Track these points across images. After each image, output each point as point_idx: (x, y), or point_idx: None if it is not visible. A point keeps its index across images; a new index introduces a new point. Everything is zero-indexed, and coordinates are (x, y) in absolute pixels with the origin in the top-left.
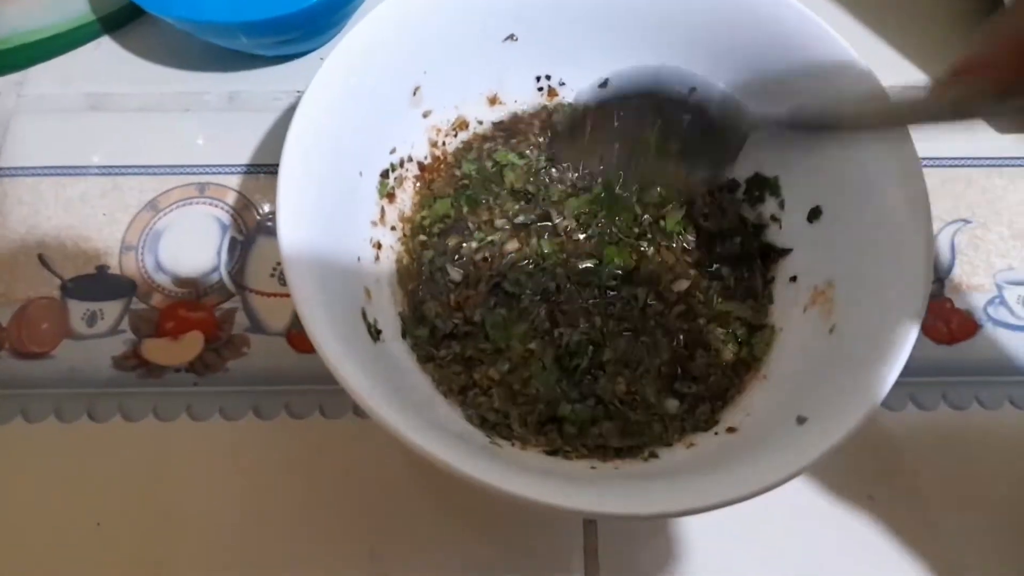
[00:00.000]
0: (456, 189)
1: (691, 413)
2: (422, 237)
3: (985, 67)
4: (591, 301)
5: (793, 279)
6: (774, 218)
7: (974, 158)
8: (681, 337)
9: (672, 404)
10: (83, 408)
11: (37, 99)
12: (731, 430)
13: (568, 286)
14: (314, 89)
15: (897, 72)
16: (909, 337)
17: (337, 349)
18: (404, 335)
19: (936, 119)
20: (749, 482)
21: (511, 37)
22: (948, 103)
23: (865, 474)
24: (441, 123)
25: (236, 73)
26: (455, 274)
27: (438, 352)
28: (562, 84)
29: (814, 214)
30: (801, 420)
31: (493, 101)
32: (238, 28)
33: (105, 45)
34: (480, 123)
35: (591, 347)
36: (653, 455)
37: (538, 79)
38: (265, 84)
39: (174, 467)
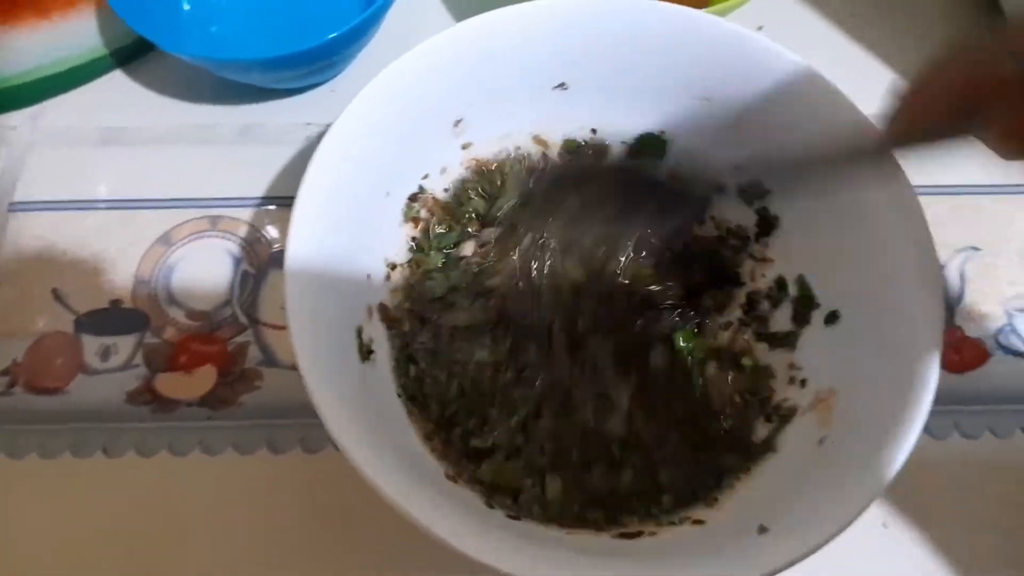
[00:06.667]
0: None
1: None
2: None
3: (921, 106)
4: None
5: (802, 383)
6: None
7: (984, 185)
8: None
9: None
10: (98, 443)
11: (52, 132)
12: (697, 522)
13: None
14: (354, 106)
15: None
16: (893, 466)
17: (315, 367)
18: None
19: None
20: None
21: (561, 86)
22: (891, 142)
23: (879, 501)
24: (480, 156)
25: (248, 106)
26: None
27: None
28: (595, 131)
29: (831, 318)
30: (762, 530)
31: (539, 142)
32: (253, 65)
33: (117, 79)
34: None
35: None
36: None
37: (585, 129)
38: (277, 116)
39: (188, 501)
